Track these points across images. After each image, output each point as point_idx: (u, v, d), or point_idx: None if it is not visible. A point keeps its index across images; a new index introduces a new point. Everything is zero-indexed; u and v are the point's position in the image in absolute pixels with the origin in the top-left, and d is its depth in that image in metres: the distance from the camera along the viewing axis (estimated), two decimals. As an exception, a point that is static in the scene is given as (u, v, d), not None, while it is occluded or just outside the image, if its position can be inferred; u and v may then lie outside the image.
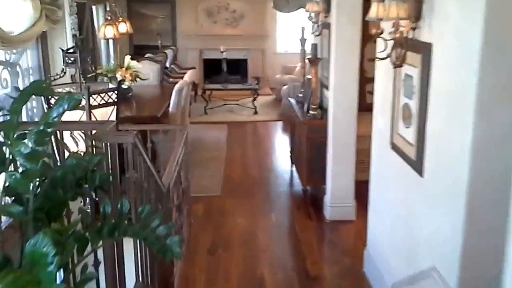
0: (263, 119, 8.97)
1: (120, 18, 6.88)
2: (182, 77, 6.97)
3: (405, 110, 2.73)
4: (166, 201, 2.99)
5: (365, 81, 5.54)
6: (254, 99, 9.42)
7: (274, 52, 11.67)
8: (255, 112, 9.26)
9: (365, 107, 5.13)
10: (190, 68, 10.20)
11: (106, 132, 2.12)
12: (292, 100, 5.90)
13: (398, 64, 2.52)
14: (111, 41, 8.22)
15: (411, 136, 2.63)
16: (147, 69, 7.71)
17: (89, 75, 6.80)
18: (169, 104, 5.96)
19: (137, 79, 6.51)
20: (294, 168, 5.93)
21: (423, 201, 2.52)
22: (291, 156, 6.15)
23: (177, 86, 5.92)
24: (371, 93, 5.92)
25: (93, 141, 2.12)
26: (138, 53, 10.88)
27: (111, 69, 6.57)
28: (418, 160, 2.53)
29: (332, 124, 4.52)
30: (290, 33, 11.13)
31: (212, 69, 11.20)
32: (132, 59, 6.57)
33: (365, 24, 4.44)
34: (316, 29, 5.23)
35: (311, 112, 4.94)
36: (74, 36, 3.14)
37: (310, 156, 4.90)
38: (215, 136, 7.77)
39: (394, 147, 2.94)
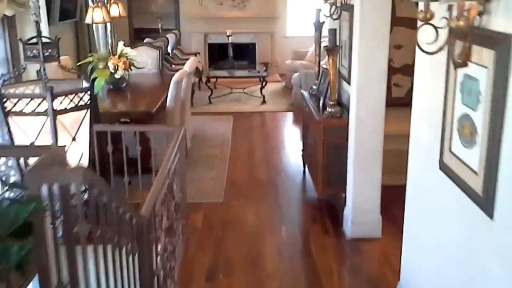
0: (272, 109, 8.25)
1: (112, 0, 6.15)
2: (185, 64, 6.29)
3: (464, 124, 2.02)
4: (146, 235, 2.33)
5: (391, 71, 4.80)
6: (263, 87, 8.71)
7: (284, 36, 10.91)
8: (263, 102, 8.55)
9: (390, 102, 4.42)
10: (194, 54, 9.49)
11: (44, 167, 1.45)
12: (305, 93, 5.18)
13: (462, 62, 1.81)
14: (109, 25, 7.52)
15: (475, 160, 1.92)
16: (145, 56, 7.03)
17: (78, 64, 6.14)
18: (167, 97, 5.28)
19: (132, 67, 5.87)
20: (306, 169, 5.24)
21: (493, 253, 1.83)
22: (303, 156, 5.46)
23: (175, 78, 5.22)
24: (398, 85, 5.22)
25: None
26: (138, 37, 10.18)
27: (102, 57, 5.90)
28: (487, 196, 1.83)
29: (355, 124, 3.81)
30: (301, 15, 10.35)
31: (218, 54, 10.52)
32: (125, 45, 5.91)
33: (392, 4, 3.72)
34: (334, 11, 4.50)
35: (328, 109, 4.22)
36: (36, 23, 2.46)
37: (327, 161, 4.18)
38: (219, 129, 7.09)
39: (445, 169, 2.24)
